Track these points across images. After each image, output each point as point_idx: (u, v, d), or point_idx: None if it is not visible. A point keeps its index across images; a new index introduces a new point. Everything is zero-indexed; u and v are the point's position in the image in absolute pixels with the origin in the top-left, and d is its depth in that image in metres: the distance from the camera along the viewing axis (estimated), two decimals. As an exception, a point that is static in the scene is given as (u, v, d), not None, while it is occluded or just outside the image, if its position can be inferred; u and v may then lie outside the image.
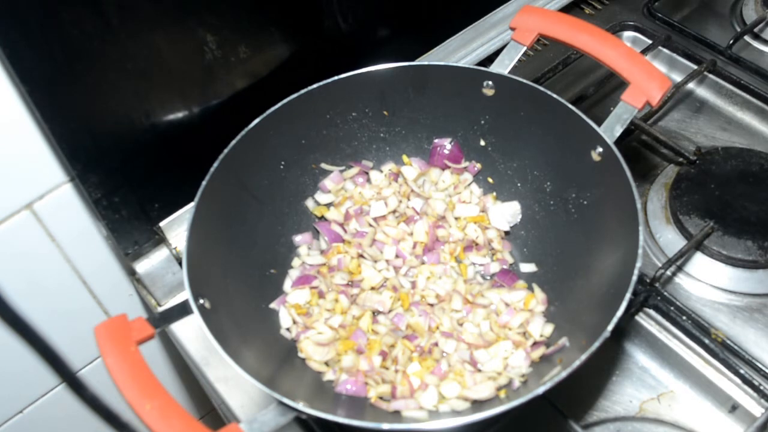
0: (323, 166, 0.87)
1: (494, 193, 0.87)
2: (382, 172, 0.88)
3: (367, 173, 0.88)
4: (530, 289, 0.79)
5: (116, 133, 0.78)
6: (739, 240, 0.83)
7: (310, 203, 0.87)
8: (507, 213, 0.85)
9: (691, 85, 1.05)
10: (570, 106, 0.76)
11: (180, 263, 0.87)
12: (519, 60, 0.81)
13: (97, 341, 0.60)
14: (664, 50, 1.07)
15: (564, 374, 0.58)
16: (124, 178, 0.80)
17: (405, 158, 0.89)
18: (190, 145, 0.81)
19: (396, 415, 0.69)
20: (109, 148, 0.78)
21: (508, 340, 0.74)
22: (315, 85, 0.80)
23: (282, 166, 0.84)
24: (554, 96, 0.76)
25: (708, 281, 0.83)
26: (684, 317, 0.78)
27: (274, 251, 0.83)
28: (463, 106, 0.84)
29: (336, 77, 0.81)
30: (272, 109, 0.79)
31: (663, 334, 0.78)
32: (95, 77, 0.72)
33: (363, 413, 0.69)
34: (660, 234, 0.87)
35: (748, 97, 1.00)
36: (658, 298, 0.80)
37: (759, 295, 0.82)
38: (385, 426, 0.57)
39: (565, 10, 1.15)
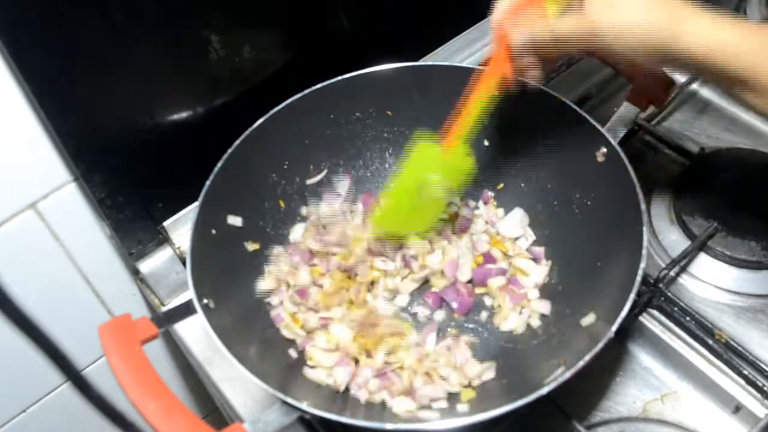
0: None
1: (495, 203, 0.87)
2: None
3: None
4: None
5: (120, 132, 0.78)
6: (743, 241, 0.83)
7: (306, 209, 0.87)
8: (516, 223, 0.85)
9: (695, 86, 1.04)
10: (574, 106, 0.76)
11: (184, 263, 0.87)
12: (523, 60, 0.80)
13: (101, 341, 0.60)
14: (668, 50, 1.07)
15: (568, 375, 0.58)
16: (128, 177, 0.80)
17: None
18: (194, 145, 0.81)
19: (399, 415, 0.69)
20: (113, 148, 0.78)
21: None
22: (319, 85, 0.81)
23: (285, 166, 0.84)
24: (558, 96, 0.77)
25: (712, 282, 0.83)
26: (688, 318, 0.78)
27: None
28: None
29: (340, 77, 0.81)
30: (276, 108, 0.79)
31: (667, 335, 0.78)
32: (99, 77, 0.72)
33: (368, 413, 0.69)
34: (664, 235, 0.87)
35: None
36: (662, 298, 0.80)
37: (763, 296, 0.81)
38: (389, 426, 0.57)
39: (568, 10, 1.15)
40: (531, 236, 0.84)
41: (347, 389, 0.72)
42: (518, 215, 0.85)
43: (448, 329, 0.79)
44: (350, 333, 0.76)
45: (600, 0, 0.60)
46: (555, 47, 0.63)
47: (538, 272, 0.80)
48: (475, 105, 0.70)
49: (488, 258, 0.83)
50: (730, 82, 0.60)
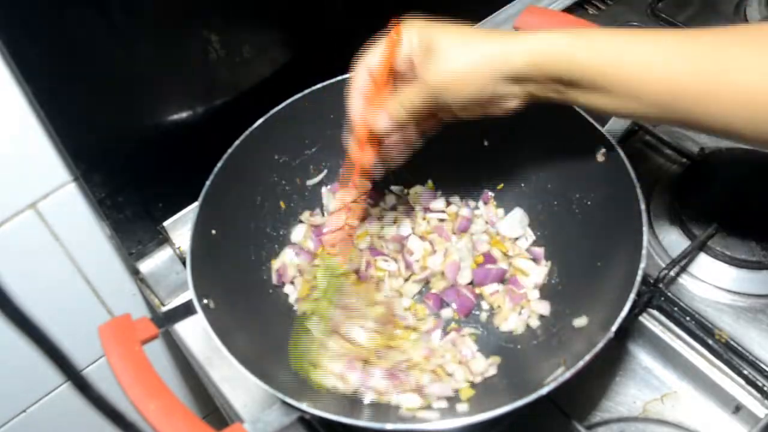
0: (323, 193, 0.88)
1: (495, 203, 0.87)
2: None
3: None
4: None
5: (120, 132, 0.78)
6: (743, 241, 0.83)
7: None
8: (516, 223, 0.85)
9: (694, 86, 1.04)
10: (574, 106, 0.75)
11: (184, 263, 0.87)
12: (523, 60, 0.80)
13: (101, 341, 0.60)
14: (668, 51, 1.07)
15: (568, 375, 0.58)
16: (128, 177, 0.80)
17: (430, 183, 0.89)
18: (194, 145, 0.81)
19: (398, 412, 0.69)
20: (113, 148, 0.78)
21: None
22: (319, 85, 0.81)
23: (285, 167, 0.84)
24: (558, 96, 0.76)
25: (712, 282, 0.83)
26: (688, 318, 0.78)
27: (278, 251, 0.83)
28: (466, 106, 0.84)
29: (340, 77, 0.81)
30: (276, 108, 0.79)
31: (667, 335, 0.78)
32: (99, 77, 0.72)
33: (369, 413, 0.69)
34: (664, 235, 0.87)
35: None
36: (662, 298, 0.80)
37: (763, 296, 0.81)
38: (389, 426, 0.57)
39: (569, 10, 1.15)
40: (531, 236, 0.84)
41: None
42: (518, 215, 0.85)
43: (448, 328, 0.79)
44: (364, 334, 0.75)
45: (424, 61, 0.64)
46: (411, 118, 0.67)
47: (537, 272, 0.80)
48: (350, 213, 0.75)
49: (488, 258, 0.83)
50: (568, 87, 0.62)
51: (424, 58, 0.64)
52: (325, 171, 0.88)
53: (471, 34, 0.64)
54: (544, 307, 0.77)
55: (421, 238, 0.84)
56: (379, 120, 0.67)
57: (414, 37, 0.65)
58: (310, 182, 0.87)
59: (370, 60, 0.68)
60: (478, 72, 0.62)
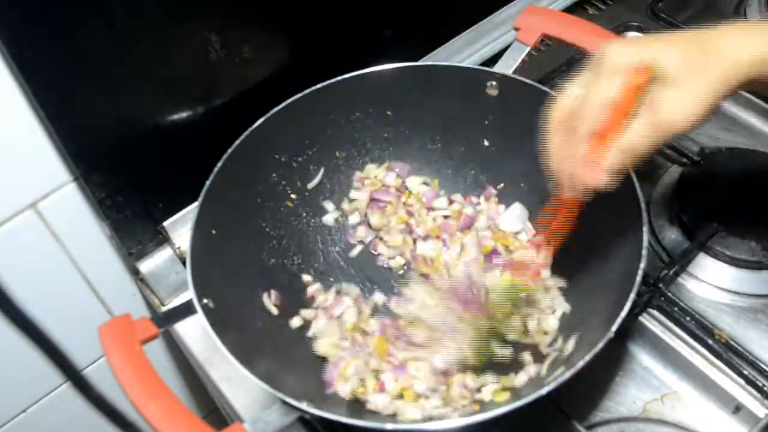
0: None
1: (496, 200, 0.87)
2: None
3: None
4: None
5: (120, 132, 0.78)
6: (743, 241, 0.83)
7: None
8: (516, 218, 0.85)
9: (694, 86, 1.04)
10: (574, 106, 0.75)
11: (184, 263, 0.87)
12: (523, 60, 0.81)
13: (101, 341, 0.60)
14: (668, 51, 1.07)
15: (568, 375, 0.58)
16: (128, 177, 0.80)
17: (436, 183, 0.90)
18: (194, 145, 0.81)
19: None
20: (113, 148, 0.78)
21: None
22: (319, 85, 0.81)
23: (285, 167, 0.84)
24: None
25: (712, 282, 0.83)
26: (688, 318, 0.78)
27: (279, 250, 0.83)
28: (467, 106, 0.84)
29: (340, 77, 0.81)
30: (276, 108, 0.79)
31: (667, 335, 0.78)
32: (99, 77, 0.72)
33: (366, 413, 0.69)
34: (664, 235, 0.87)
35: (751, 97, 1.00)
36: (662, 298, 0.80)
37: (763, 296, 0.81)
38: (389, 426, 0.57)
39: (569, 10, 1.15)
40: (531, 231, 0.84)
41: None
42: (518, 210, 0.85)
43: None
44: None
45: (652, 93, 0.57)
46: (638, 163, 0.59)
47: (542, 257, 0.80)
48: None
49: (494, 253, 0.83)
50: None
51: (651, 91, 0.57)
52: (323, 170, 0.87)
53: (694, 55, 0.58)
54: (559, 282, 0.77)
55: (431, 236, 0.84)
56: (597, 176, 0.59)
57: (625, 58, 0.57)
58: (311, 183, 0.87)
59: (595, 102, 0.57)
60: (713, 100, 0.56)
